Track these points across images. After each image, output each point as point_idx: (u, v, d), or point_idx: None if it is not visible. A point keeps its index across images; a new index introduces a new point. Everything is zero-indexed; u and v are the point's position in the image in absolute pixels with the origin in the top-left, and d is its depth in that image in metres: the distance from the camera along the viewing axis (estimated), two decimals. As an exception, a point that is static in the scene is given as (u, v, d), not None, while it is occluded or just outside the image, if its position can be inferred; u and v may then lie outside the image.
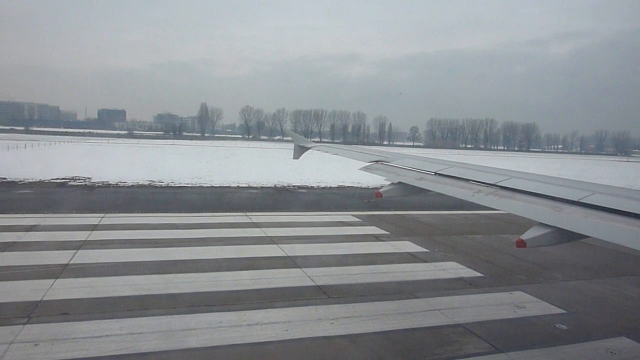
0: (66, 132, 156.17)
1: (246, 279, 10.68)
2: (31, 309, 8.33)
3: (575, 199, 4.66)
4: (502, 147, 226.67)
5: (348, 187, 31.80)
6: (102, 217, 16.81)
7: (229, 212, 19.40)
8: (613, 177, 57.08)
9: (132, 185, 27.53)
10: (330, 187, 31.25)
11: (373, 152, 10.07)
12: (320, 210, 20.98)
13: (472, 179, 6.27)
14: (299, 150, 12.52)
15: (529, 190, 5.28)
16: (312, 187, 30.90)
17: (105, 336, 7.37)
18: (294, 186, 30.85)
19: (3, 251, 11.98)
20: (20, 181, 26.97)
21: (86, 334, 7.42)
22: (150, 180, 29.76)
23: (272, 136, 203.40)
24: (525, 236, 4.44)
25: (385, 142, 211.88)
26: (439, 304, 9.57)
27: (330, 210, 20.91)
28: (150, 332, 7.65)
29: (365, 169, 8.59)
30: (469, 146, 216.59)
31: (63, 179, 28.99)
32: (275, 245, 13.85)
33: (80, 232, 14.34)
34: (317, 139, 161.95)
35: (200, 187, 28.58)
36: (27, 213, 17.31)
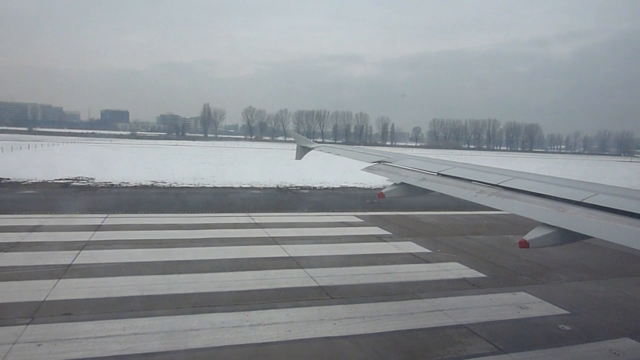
0: (69, 132, 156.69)
1: (249, 279, 10.69)
2: (34, 309, 8.36)
3: (579, 200, 4.65)
4: (504, 148, 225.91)
5: (350, 187, 31.79)
6: (105, 218, 16.85)
7: (232, 212, 19.42)
8: (616, 177, 56.89)
9: (135, 186, 27.59)
10: (332, 188, 31.25)
11: (375, 152, 10.08)
12: (323, 211, 20.97)
13: (475, 179, 6.26)
14: (302, 151, 12.52)
15: (532, 191, 5.27)
16: (314, 188, 30.90)
17: (109, 336, 7.39)
18: (296, 187, 30.86)
19: (6, 251, 12.02)
20: (23, 182, 27.07)
21: (89, 334, 7.44)
22: (153, 181, 29.83)
23: (275, 137, 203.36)
24: (528, 237, 4.43)
25: (387, 143, 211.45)
26: (441, 304, 9.56)
27: (333, 211, 20.90)
28: (154, 332, 7.67)
29: (368, 169, 8.59)
30: (472, 147, 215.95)
31: (66, 179, 29.08)
32: (277, 246, 13.85)
33: (83, 232, 14.38)
34: (320, 140, 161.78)
35: (203, 187, 28.62)
36: (30, 213, 17.37)
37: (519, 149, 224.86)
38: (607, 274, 12.61)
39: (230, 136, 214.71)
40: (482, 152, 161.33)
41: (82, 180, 29.25)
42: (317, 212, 20.85)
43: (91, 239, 13.63)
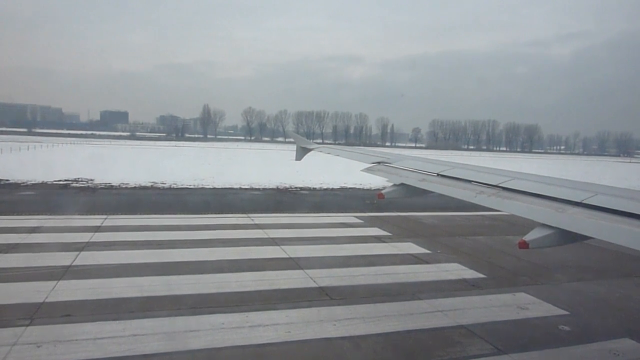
0: (69, 133, 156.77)
1: (249, 280, 10.69)
2: (34, 310, 8.35)
3: (578, 200, 4.65)
4: (504, 148, 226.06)
5: (350, 188, 31.80)
6: (105, 219, 16.84)
7: (232, 213, 19.42)
8: (616, 178, 56.91)
9: (135, 187, 27.58)
10: (332, 189, 31.26)
11: (375, 153, 10.08)
12: (323, 212, 20.97)
13: (475, 180, 6.27)
14: (301, 152, 12.52)
15: (532, 192, 5.27)
16: (314, 189, 30.90)
17: (108, 338, 7.39)
18: (296, 188, 30.86)
19: (6, 253, 12.01)
20: (23, 183, 27.05)
21: (89, 335, 7.44)
22: (153, 182, 29.81)
23: (275, 138, 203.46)
24: (527, 237, 4.43)
25: (387, 144, 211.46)
26: (441, 305, 9.56)
27: (333, 212, 20.90)
28: (153, 333, 7.66)
29: (368, 170, 8.59)
30: (472, 147, 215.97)
31: (66, 180, 29.06)
32: (277, 247, 13.85)
33: (83, 233, 14.36)
34: (319, 141, 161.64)
35: (203, 188, 28.62)
36: (30, 214, 17.36)
37: (518, 149, 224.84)
38: (607, 274, 12.62)
39: (230, 137, 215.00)
40: (482, 153, 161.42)
41: (82, 181, 29.23)
42: (317, 213, 20.85)
43: (91, 240, 13.62)
